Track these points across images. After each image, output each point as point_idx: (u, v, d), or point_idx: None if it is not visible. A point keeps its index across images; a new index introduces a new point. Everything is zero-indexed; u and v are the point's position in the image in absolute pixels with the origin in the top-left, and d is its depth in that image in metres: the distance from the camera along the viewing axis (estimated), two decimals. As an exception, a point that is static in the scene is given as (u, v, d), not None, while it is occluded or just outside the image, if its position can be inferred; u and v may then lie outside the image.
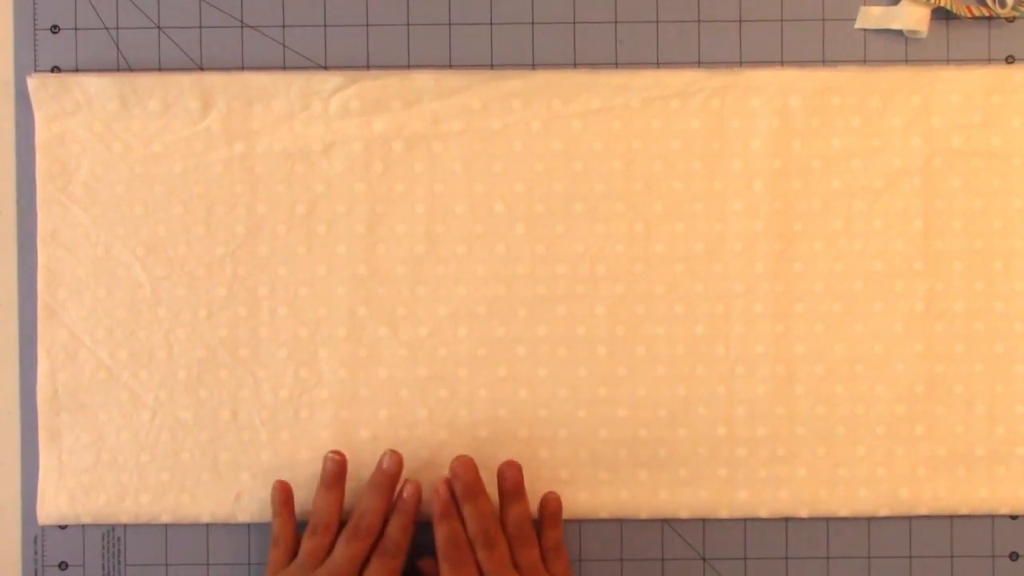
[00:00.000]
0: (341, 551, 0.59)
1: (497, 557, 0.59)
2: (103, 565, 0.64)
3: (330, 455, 0.62)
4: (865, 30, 0.63)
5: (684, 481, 0.63)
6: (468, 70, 0.63)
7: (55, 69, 0.63)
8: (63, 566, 0.64)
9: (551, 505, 0.62)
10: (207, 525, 0.64)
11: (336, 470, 0.61)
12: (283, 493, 0.62)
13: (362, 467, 0.62)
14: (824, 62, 0.63)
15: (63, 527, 0.64)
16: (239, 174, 0.63)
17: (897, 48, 0.64)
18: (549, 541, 0.61)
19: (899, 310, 0.63)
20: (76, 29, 0.63)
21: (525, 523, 0.60)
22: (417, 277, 0.63)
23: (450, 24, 0.63)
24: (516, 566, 0.59)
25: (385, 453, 0.61)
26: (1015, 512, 0.63)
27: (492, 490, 0.61)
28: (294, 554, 0.61)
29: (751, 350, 0.63)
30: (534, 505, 0.62)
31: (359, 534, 0.59)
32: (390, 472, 0.61)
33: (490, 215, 0.63)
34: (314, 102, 0.63)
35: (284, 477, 0.63)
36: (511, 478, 0.61)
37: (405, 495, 0.60)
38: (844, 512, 0.63)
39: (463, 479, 0.60)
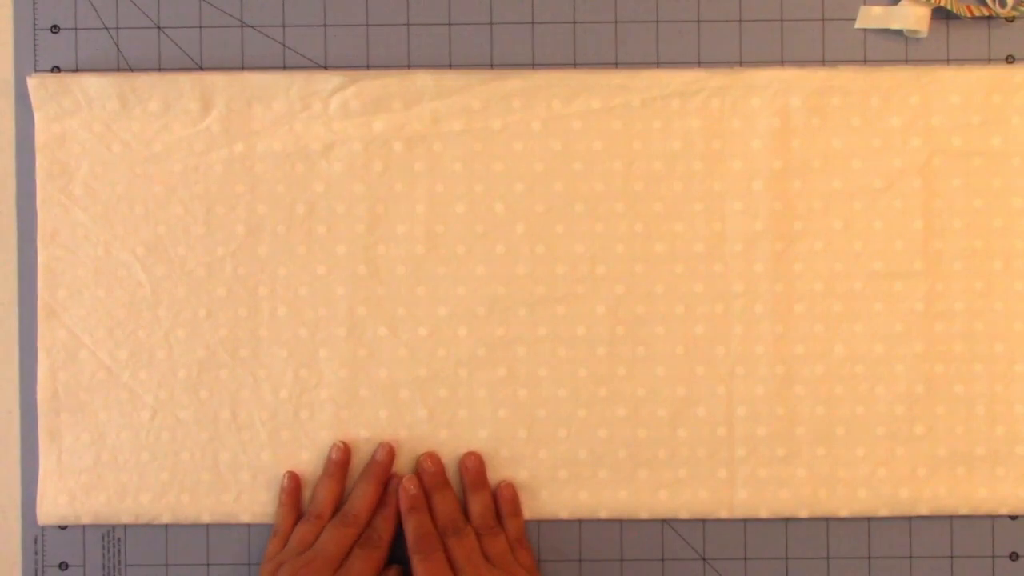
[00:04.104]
0: (327, 536, 0.60)
1: (466, 544, 0.59)
2: (103, 565, 0.64)
3: (336, 444, 0.62)
4: (865, 30, 0.63)
5: (684, 481, 0.63)
6: (468, 70, 0.63)
7: (55, 69, 0.63)
8: (63, 566, 0.64)
9: (506, 494, 0.62)
10: (207, 525, 0.64)
11: (340, 460, 0.62)
12: (291, 483, 0.62)
13: (362, 466, 0.63)
14: (824, 62, 0.63)
15: (63, 527, 0.64)
16: (239, 174, 0.63)
17: (897, 48, 0.64)
18: (512, 531, 0.62)
19: (899, 310, 0.63)
20: (76, 29, 0.63)
21: (488, 513, 0.61)
22: (417, 277, 0.63)
23: (450, 24, 0.63)
24: (486, 557, 0.60)
25: (380, 445, 0.62)
26: (1015, 512, 0.63)
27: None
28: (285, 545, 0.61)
29: (751, 350, 0.63)
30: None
31: (346, 521, 0.60)
32: (383, 463, 0.62)
33: (490, 215, 0.63)
34: (314, 102, 0.63)
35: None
36: (472, 468, 0.62)
37: (390, 488, 0.62)
38: (844, 512, 0.63)
39: (429, 471, 0.62)
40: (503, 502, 0.62)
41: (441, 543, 0.60)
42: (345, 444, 0.62)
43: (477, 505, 0.61)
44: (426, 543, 0.60)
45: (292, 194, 0.63)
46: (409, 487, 0.61)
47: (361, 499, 0.61)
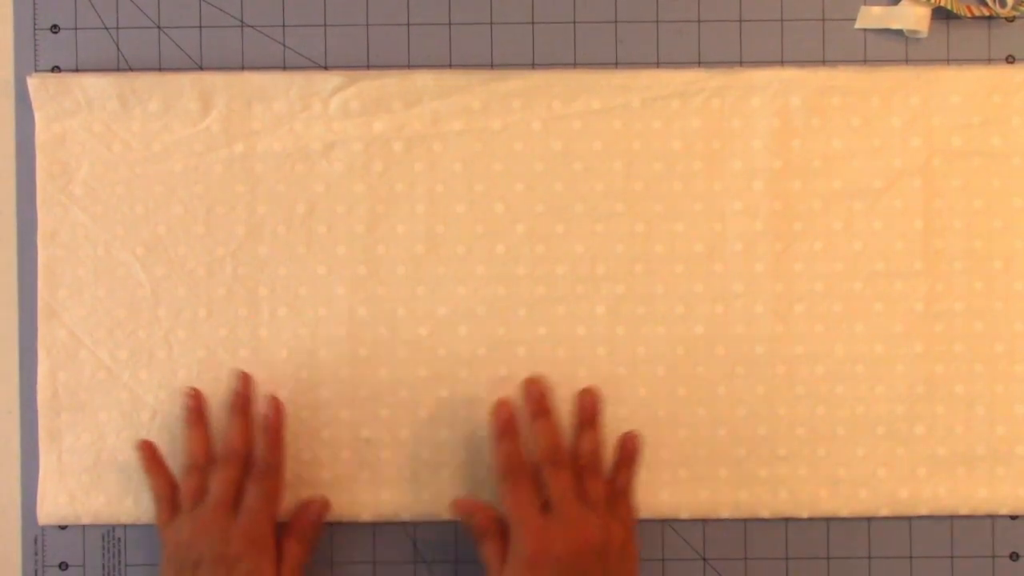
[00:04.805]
0: (213, 481, 0.59)
1: (563, 477, 0.57)
2: (103, 565, 0.64)
3: (185, 392, 0.61)
4: (865, 30, 0.63)
5: (684, 481, 0.63)
6: (468, 70, 0.63)
7: (55, 69, 0.63)
8: (63, 566, 0.64)
9: (629, 444, 0.60)
10: (207, 525, 0.64)
11: (194, 406, 0.61)
12: (145, 451, 0.61)
13: (364, 467, 0.63)
14: (824, 62, 0.63)
15: (63, 527, 0.64)
16: (239, 174, 0.63)
17: (897, 48, 0.64)
18: (620, 481, 0.60)
19: (899, 310, 0.63)
20: (76, 29, 0.63)
21: (596, 453, 0.59)
22: (417, 277, 0.63)
23: (450, 24, 0.63)
24: (582, 495, 0.57)
25: (236, 375, 0.61)
26: (1015, 512, 0.63)
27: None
28: (175, 507, 0.60)
29: (751, 350, 0.63)
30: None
31: (227, 461, 0.59)
32: (243, 394, 0.61)
33: (490, 215, 0.63)
34: (314, 102, 0.63)
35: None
36: (588, 406, 0.60)
37: (266, 411, 0.60)
38: (844, 512, 0.63)
39: (535, 395, 0.59)
40: (624, 453, 0.60)
41: (531, 472, 0.57)
42: (195, 389, 0.61)
43: (586, 443, 0.59)
44: (518, 470, 0.57)
45: (292, 194, 0.63)
46: (502, 410, 0.59)
47: (233, 435, 0.59)
